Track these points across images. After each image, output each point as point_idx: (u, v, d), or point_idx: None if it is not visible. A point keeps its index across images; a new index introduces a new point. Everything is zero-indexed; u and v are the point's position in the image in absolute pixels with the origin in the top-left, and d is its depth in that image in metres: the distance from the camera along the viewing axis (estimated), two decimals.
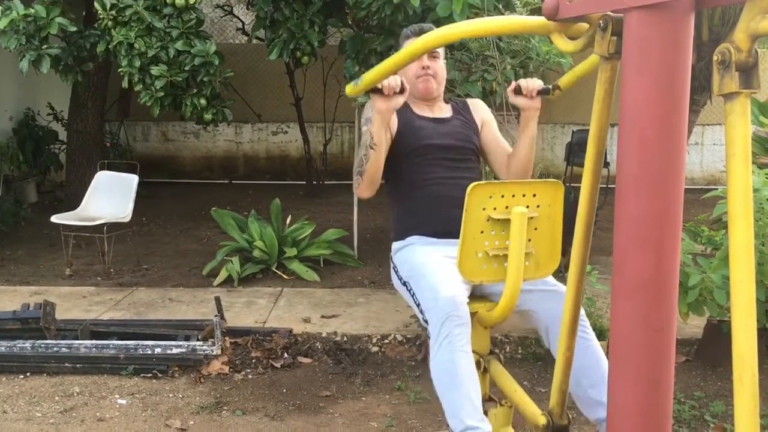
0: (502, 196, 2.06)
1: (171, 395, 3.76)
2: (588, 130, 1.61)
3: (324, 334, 4.49)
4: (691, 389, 3.80)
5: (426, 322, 2.27)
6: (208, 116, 5.68)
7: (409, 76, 2.62)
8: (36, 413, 3.55)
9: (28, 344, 4.11)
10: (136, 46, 5.32)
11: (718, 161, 10.69)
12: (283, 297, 5.30)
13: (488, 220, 2.08)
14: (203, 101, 5.55)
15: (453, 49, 4.62)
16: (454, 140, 2.63)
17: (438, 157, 2.59)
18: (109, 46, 5.47)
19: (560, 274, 2.37)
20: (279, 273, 5.80)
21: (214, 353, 4.10)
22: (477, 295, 2.40)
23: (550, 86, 2.38)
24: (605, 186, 8.64)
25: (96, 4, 5.33)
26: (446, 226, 2.41)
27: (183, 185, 10.16)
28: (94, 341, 4.20)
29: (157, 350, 4.09)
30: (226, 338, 4.25)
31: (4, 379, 3.94)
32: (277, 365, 4.11)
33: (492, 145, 2.74)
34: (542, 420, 2.03)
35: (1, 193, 7.59)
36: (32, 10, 5.35)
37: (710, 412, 3.53)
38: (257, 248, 5.78)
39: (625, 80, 1.33)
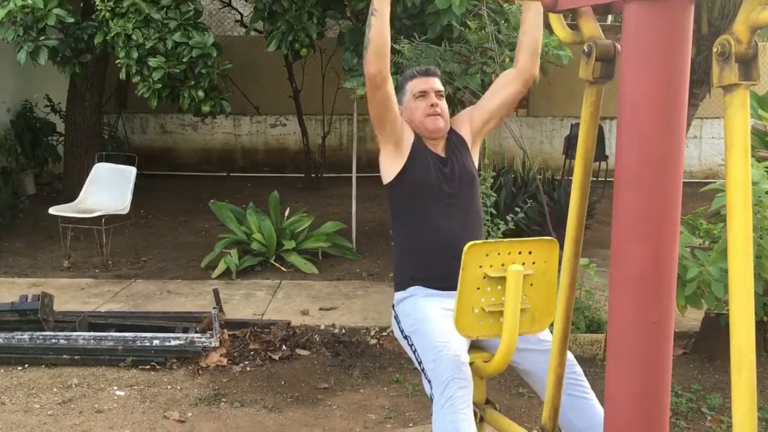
0: (498, 254, 2.12)
1: (169, 387, 3.77)
2: None
3: (322, 327, 4.50)
4: (688, 382, 3.81)
5: (429, 382, 2.29)
6: (206, 108, 5.67)
7: (418, 115, 2.60)
8: (34, 405, 3.56)
9: (26, 336, 4.11)
10: (134, 37, 5.30)
11: (717, 155, 10.69)
12: (281, 289, 5.30)
13: (485, 278, 2.12)
14: (201, 93, 5.53)
15: (452, 41, 4.61)
16: (457, 180, 2.59)
17: (443, 199, 2.56)
18: (107, 38, 5.45)
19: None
20: (277, 265, 5.80)
21: (213, 345, 4.10)
22: (474, 345, 2.43)
23: None
24: (604, 179, 8.67)
25: None
26: (447, 281, 2.39)
27: (181, 177, 10.15)
28: (92, 333, 4.20)
29: (156, 342, 4.09)
30: (225, 330, 4.25)
31: (2, 370, 3.94)
32: (276, 357, 4.11)
33: (486, 100, 2.69)
34: None
35: None
36: (30, 1, 5.32)
37: (707, 404, 3.54)
38: (256, 241, 5.78)
39: (623, 73, 1.33)
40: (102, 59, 7.57)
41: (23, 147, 8.79)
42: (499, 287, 2.14)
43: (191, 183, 9.81)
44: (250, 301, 5.00)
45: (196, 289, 5.27)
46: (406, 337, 2.48)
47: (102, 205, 5.98)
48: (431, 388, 2.27)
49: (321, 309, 4.84)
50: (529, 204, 5.01)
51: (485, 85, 4.29)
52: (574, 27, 1.58)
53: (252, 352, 4.16)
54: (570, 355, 2.18)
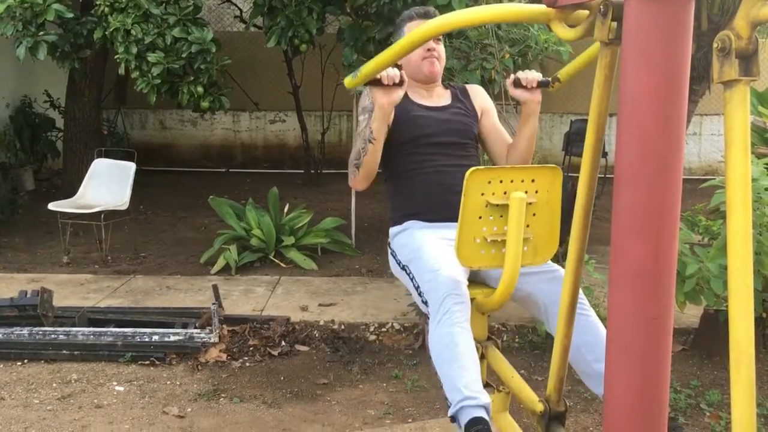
0: (501, 182, 2.05)
1: (169, 382, 3.77)
2: (586, 120, 1.61)
3: (321, 323, 4.50)
4: (687, 378, 3.82)
5: (425, 303, 2.26)
6: (205, 104, 5.66)
7: (413, 58, 2.58)
8: (34, 400, 3.56)
9: (25, 331, 4.12)
10: (133, 32, 5.29)
11: (716, 151, 10.68)
12: (280, 285, 5.30)
13: (486, 206, 2.06)
14: (200, 89, 5.52)
15: (452, 37, 4.60)
16: (453, 129, 2.61)
17: (437, 147, 2.57)
18: (106, 33, 5.44)
19: (558, 263, 2.37)
20: (276, 261, 5.80)
21: (212, 341, 4.10)
22: (475, 280, 2.40)
23: (549, 78, 2.36)
24: (603, 176, 8.65)
25: None
26: (445, 213, 2.40)
27: (180, 173, 10.14)
28: (91, 328, 4.20)
29: (155, 338, 4.10)
30: (224, 326, 4.26)
31: (1, 366, 3.95)
32: (275, 353, 4.11)
33: (491, 134, 2.73)
34: (539, 407, 2.04)
35: None
36: None
37: (706, 400, 3.55)
38: (255, 236, 5.78)
39: (624, 69, 1.32)
40: (101, 54, 7.56)
41: (22, 142, 8.78)
42: (502, 216, 2.08)
43: (190, 179, 9.81)
44: (250, 297, 5.01)
45: (196, 285, 5.27)
46: (403, 268, 2.45)
47: (101, 200, 5.97)
48: (428, 307, 2.24)
49: (320, 305, 4.84)
50: None
51: (485, 82, 4.28)
52: (573, 25, 1.57)
53: (251, 348, 4.17)
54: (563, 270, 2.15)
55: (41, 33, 5.45)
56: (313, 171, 9.46)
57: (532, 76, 2.46)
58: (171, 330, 4.20)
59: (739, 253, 1.18)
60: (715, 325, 3.99)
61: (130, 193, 6.00)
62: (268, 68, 10.05)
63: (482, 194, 2.05)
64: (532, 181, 2.08)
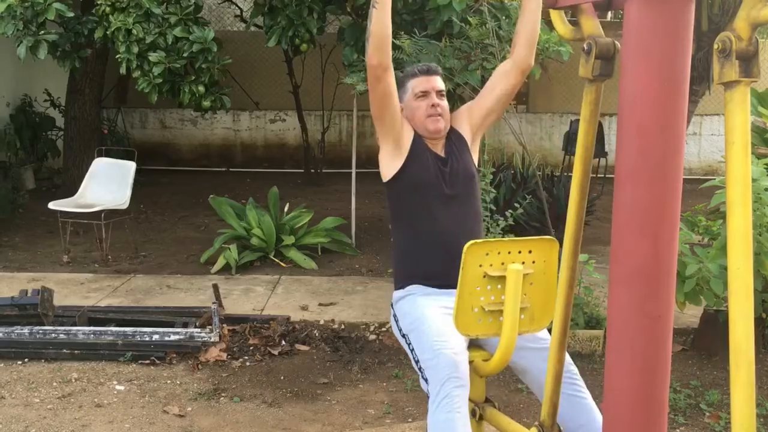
0: (498, 253, 2.12)
1: (169, 382, 3.77)
2: None
3: (321, 322, 4.50)
4: (687, 378, 3.82)
5: (425, 380, 2.30)
6: (206, 103, 5.66)
7: (418, 115, 2.58)
8: (34, 399, 3.56)
9: (26, 330, 4.12)
10: (134, 32, 5.29)
11: (716, 152, 10.69)
12: (280, 285, 5.30)
13: (484, 277, 2.13)
14: (201, 88, 5.53)
15: (452, 37, 4.61)
16: (457, 180, 2.58)
17: (442, 200, 2.55)
18: (107, 32, 5.44)
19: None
20: (277, 261, 5.80)
21: (212, 340, 4.11)
22: (473, 344, 2.43)
23: None
24: (603, 176, 8.65)
25: None
26: (446, 280, 2.39)
27: (181, 173, 10.15)
28: (92, 328, 4.20)
29: (155, 337, 4.10)
30: (224, 325, 4.26)
31: (2, 365, 3.95)
32: (275, 352, 4.12)
33: (484, 95, 2.68)
34: None
35: None
36: None
37: (706, 401, 3.55)
38: (255, 236, 5.78)
39: (624, 70, 1.33)
40: (102, 54, 7.57)
41: (22, 141, 8.79)
42: (499, 286, 2.14)
43: (191, 178, 9.81)
44: (250, 297, 5.01)
45: (196, 284, 5.28)
46: (404, 336, 2.48)
47: (101, 199, 5.98)
48: (428, 385, 2.27)
49: (320, 304, 4.84)
50: (529, 200, 5.02)
51: (485, 82, 4.28)
52: (574, 23, 1.58)
53: (251, 347, 4.17)
54: (566, 355, 2.19)
55: (42, 32, 5.45)
56: (313, 170, 9.47)
57: None
58: (171, 329, 4.20)
59: (739, 253, 1.18)
60: (715, 325, 4.00)
61: (131, 192, 6.00)
62: (268, 68, 10.06)
63: (480, 266, 2.12)
64: (529, 252, 2.15)
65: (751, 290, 1.18)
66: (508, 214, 4.56)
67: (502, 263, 2.12)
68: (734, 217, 1.18)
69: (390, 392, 3.70)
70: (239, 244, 5.78)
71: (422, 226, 2.56)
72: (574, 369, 2.36)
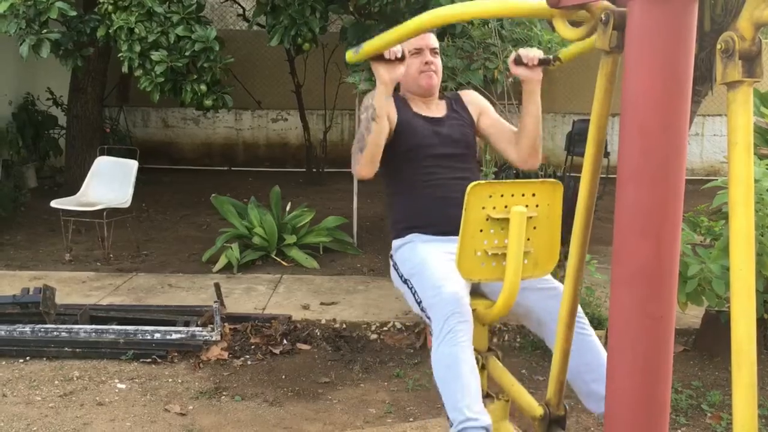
0: (502, 196, 2.07)
1: (170, 380, 3.78)
2: (588, 121, 1.61)
3: (323, 321, 4.50)
4: (688, 379, 3.82)
5: (429, 318, 2.27)
6: (208, 102, 5.66)
7: (411, 72, 2.58)
8: (36, 397, 3.57)
9: (27, 328, 4.12)
10: (137, 31, 5.29)
11: (719, 152, 10.67)
12: (282, 284, 5.30)
13: (487, 219, 2.08)
14: (203, 87, 5.53)
15: (455, 36, 4.61)
16: (452, 140, 2.60)
17: (437, 159, 2.56)
18: (110, 31, 5.45)
19: (560, 263, 2.37)
20: (278, 260, 5.80)
21: (214, 339, 4.11)
22: (476, 292, 2.41)
23: (551, 57, 2.36)
24: (605, 176, 8.63)
25: None
26: (446, 226, 2.39)
27: (183, 172, 10.15)
28: (93, 326, 4.21)
29: (157, 335, 4.10)
30: (226, 324, 4.26)
31: (3, 363, 3.95)
32: (276, 351, 4.12)
33: (495, 128, 2.71)
34: (539, 411, 2.05)
35: (0, 178, 7.58)
36: None
37: (708, 401, 3.55)
38: (257, 235, 5.78)
39: (627, 70, 1.32)
40: (104, 53, 7.58)
41: (25, 140, 8.80)
42: (502, 229, 2.09)
43: (192, 177, 9.81)
44: (251, 296, 5.01)
45: (198, 283, 5.28)
46: (405, 281, 2.45)
47: (103, 198, 5.98)
48: (430, 321, 2.25)
49: (322, 303, 4.84)
50: None
51: (488, 81, 4.28)
52: (576, 25, 1.57)
53: (253, 346, 4.17)
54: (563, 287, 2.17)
55: (44, 31, 5.46)
56: (315, 170, 9.47)
57: (533, 53, 2.44)
58: (173, 328, 4.20)
59: (741, 253, 1.18)
60: (717, 325, 3.99)
61: (133, 191, 6.00)
62: (270, 67, 10.06)
63: (483, 208, 2.07)
64: (533, 195, 2.10)
65: (752, 291, 1.18)
66: None
67: (506, 206, 2.07)
68: (736, 217, 1.18)
69: (391, 392, 3.70)
70: (241, 243, 5.78)
71: (419, 180, 2.55)
72: (579, 306, 2.35)
